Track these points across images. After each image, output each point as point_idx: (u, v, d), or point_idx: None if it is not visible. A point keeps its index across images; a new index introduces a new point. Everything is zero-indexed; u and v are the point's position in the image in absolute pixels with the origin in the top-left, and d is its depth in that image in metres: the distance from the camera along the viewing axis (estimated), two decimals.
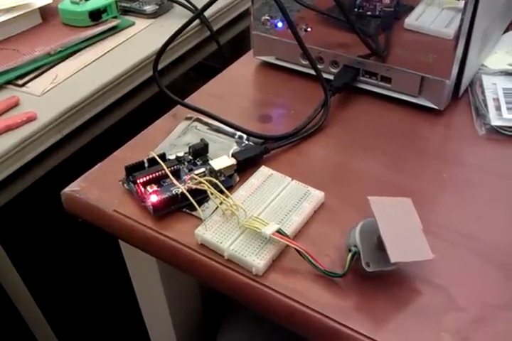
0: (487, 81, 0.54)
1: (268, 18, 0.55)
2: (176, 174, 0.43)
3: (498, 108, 0.51)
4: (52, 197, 0.53)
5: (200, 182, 0.41)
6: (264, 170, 0.45)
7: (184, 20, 0.51)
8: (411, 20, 0.48)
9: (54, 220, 1.03)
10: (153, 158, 0.43)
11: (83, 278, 1.07)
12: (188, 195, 0.40)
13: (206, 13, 0.77)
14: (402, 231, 0.36)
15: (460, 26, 0.46)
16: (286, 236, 0.38)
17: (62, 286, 1.05)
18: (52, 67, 0.68)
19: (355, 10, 0.50)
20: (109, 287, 1.04)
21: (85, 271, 1.07)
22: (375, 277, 0.37)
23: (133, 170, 0.43)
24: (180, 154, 0.45)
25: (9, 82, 0.66)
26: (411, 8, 0.48)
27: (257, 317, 0.60)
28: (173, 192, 0.41)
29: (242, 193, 0.42)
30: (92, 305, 1.04)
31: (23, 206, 0.93)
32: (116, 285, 0.91)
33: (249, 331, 0.61)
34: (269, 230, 0.38)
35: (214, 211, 0.41)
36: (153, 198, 0.41)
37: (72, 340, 0.97)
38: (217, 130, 0.50)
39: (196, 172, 0.43)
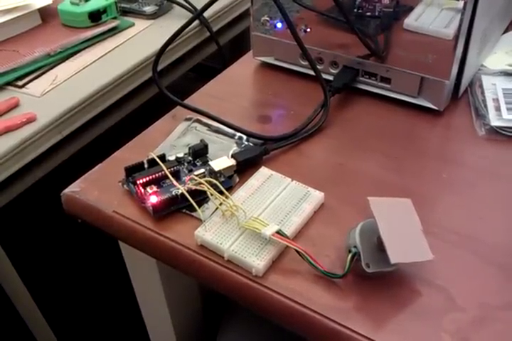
0: (487, 81, 0.54)
1: (267, 18, 0.55)
2: (176, 175, 0.43)
3: (498, 108, 0.51)
4: (52, 198, 0.53)
5: (200, 183, 0.41)
6: (263, 171, 0.45)
7: (184, 21, 0.51)
8: (410, 21, 0.48)
9: (54, 221, 1.03)
10: (153, 159, 0.43)
11: (83, 278, 1.07)
12: (188, 196, 0.40)
13: (206, 14, 0.77)
14: (402, 232, 0.36)
15: (459, 26, 0.46)
16: (286, 237, 0.38)
17: (62, 287, 1.05)
18: (52, 68, 0.68)
19: (355, 10, 0.50)
20: (109, 287, 1.04)
21: (85, 271, 1.07)
22: (375, 278, 0.37)
23: (133, 171, 0.43)
24: (180, 155, 0.45)
25: (9, 83, 0.66)
26: (410, 9, 0.48)
27: (256, 318, 0.60)
28: (173, 193, 0.41)
29: (242, 194, 0.42)
30: (91, 305, 1.04)
31: (23, 207, 0.93)
32: (116, 285, 0.91)
33: (249, 332, 0.61)
34: (268, 231, 0.38)
35: (214, 212, 0.41)
36: (153, 199, 0.41)
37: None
38: (217, 131, 0.50)
39: (196, 173, 0.43)
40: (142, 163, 0.44)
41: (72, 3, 0.73)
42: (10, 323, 0.90)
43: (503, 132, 0.49)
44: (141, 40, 0.74)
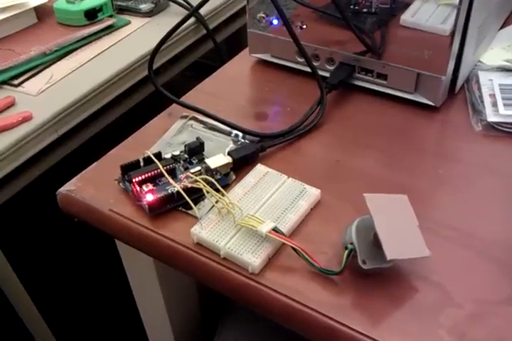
0: (483, 77, 0.54)
1: (263, 15, 0.54)
2: (172, 173, 0.43)
3: (495, 104, 0.50)
4: (48, 196, 0.52)
5: (196, 181, 0.41)
6: (260, 168, 0.44)
7: (180, 19, 0.51)
8: (407, 17, 0.48)
9: (50, 220, 1.03)
10: (149, 157, 0.43)
11: (80, 277, 1.07)
12: (184, 194, 0.40)
13: (202, 12, 0.77)
14: (399, 228, 0.36)
15: (456, 22, 0.46)
16: (283, 234, 0.38)
17: (60, 285, 1.05)
18: (47, 67, 0.68)
19: (351, 7, 0.50)
20: (106, 286, 1.04)
21: (82, 270, 1.07)
22: (371, 274, 0.37)
23: (128, 169, 0.43)
24: (176, 153, 0.45)
25: (5, 82, 0.65)
26: (407, 5, 0.48)
27: (254, 316, 0.60)
28: (169, 191, 0.41)
29: (238, 191, 0.42)
30: (89, 304, 1.04)
31: (20, 206, 0.93)
32: (114, 284, 0.91)
33: (247, 330, 0.61)
34: (265, 228, 0.38)
35: (210, 209, 0.41)
36: (149, 197, 0.41)
37: (70, 339, 0.97)
38: (213, 128, 0.50)
39: (192, 170, 0.43)
40: (138, 161, 0.43)
41: (68, 2, 0.73)
42: (8, 322, 0.90)
43: (500, 128, 0.49)
44: (137, 38, 0.74)
